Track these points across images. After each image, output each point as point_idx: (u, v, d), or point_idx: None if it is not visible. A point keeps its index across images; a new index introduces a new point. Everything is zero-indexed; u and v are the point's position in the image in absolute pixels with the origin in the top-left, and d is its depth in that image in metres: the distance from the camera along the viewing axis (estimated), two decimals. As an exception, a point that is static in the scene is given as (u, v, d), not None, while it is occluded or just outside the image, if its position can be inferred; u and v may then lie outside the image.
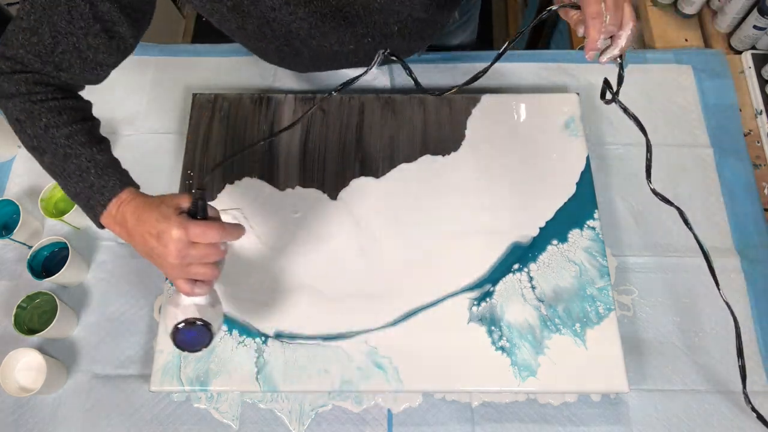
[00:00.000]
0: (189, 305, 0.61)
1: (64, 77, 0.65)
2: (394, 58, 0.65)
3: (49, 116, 0.63)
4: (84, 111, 0.68)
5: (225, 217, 0.66)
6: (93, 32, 0.63)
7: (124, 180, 0.64)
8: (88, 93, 0.99)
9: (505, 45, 0.65)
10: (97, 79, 0.69)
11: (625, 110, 0.63)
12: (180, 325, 0.61)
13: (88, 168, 0.63)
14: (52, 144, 0.63)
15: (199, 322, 0.61)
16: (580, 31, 0.60)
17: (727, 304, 0.74)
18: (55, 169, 0.64)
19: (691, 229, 0.70)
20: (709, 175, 0.91)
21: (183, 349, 0.62)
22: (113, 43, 0.65)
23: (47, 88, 0.64)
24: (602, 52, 0.60)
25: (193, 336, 0.62)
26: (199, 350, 0.63)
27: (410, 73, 0.68)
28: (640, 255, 0.85)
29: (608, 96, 0.64)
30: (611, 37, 0.59)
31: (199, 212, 0.60)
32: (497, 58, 0.66)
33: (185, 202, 0.60)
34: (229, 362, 0.75)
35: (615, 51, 0.59)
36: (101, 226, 0.65)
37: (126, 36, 0.66)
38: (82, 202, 0.64)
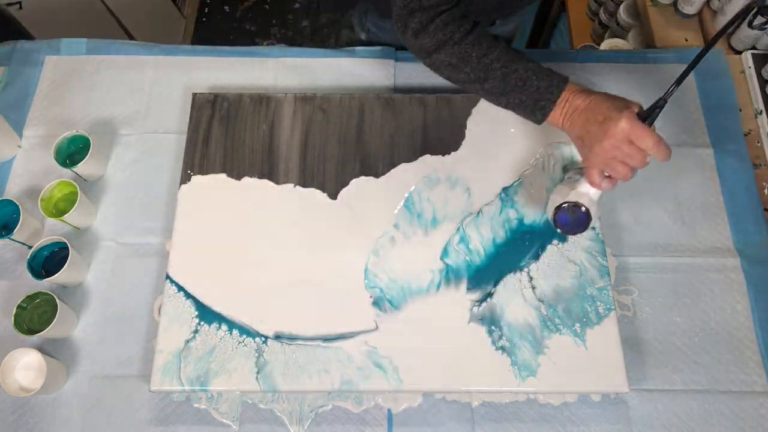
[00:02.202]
0: (584, 193, 0.70)
1: None
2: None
3: (475, 49, 0.69)
4: (487, 31, 0.72)
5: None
6: None
7: (563, 77, 0.69)
8: (88, 93, 0.99)
9: (712, 38, 0.70)
10: None
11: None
12: (564, 205, 0.69)
13: (530, 77, 0.68)
14: (490, 70, 0.69)
15: (583, 209, 0.69)
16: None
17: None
18: (496, 90, 0.70)
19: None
20: (709, 175, 0.91)
21: (559, 228, 0.71)
22: None
23: (456, 25, 0.69)
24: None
25: (571, 220, 0.70)
26: (574, 233, 0.72)
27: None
28: (640, 255, 0.85)
29: (758, 22, 0.71)
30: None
31: (650, 119, 0.64)
32: (705, 52, 0.68)
33: (636, 107, 0.65)
34: (229, 362, 0.75)
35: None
36: (541, 122, 0.71)
37: None
38: (527, 107, 0.70)
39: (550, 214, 0.72)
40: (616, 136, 0.63)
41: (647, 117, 0.64)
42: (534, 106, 0.69)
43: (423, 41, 0.70)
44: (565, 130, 0.70)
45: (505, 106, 0.72)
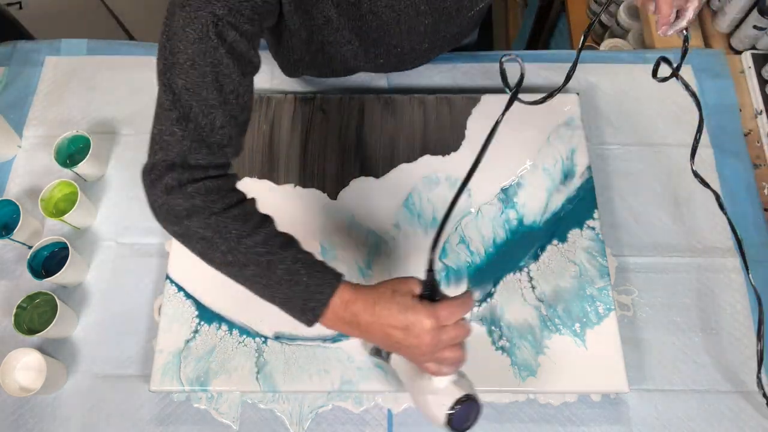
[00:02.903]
0: (448, 386, 0.59)
1: (229, 153, 0.61)
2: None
3: (237, 226, 0.57)
4: (258, 210, 0.62)
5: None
6: (242, 91, 0.59)
7: (335, 274, 0.59)
8: (88, 93, 0.99)
9: (583, 36, 0.70)
10: (243, 144, 0.64)
11: (687, 86, 0.66)
12: (452, 411, 0.58)
13: (298, 270, 0.57)
14: (251, 254, 0.57)
15: (465, 399, 0.59)
16: (651, 8, 0.64)
17: (753, 287, 0.77)
18: (260, 280, 0.58)
19: (725, 213, 0.74)
20: (709, 175, 0.91)
21: (463, 431, 0.60)
22: (252, 89, 0.61)
23: (222, 195, 0.59)
24: (671, 25, 0.65)
25: (465, 414, 0.59)
26: (474, 424, 0.60)
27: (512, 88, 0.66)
28: (640, 255, 0.85)
29: (662, 74, 0.67)
30: (678, 10, 0.64)
31: (437, 294, 0.57)
32: (580, 51, 0.71)
33: (417, 287, 0.57)
34: (229, 362, 0.75)
35: (683, 23, 0.64)
36: (312, 325, 0.59)
37: (257, 64, 0.62)
38: (296, 307, 0.58)
39: (441, 421, 0.59)
40: (431, 335, 0.54)
41: (432, 291, 0.57)
42: (304, 306, 0.57)
43: (174, 201, 0.57)
44: (361, 337, 0.59)
45: (276, 303, 0.59)
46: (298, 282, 0.57)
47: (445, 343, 0.55)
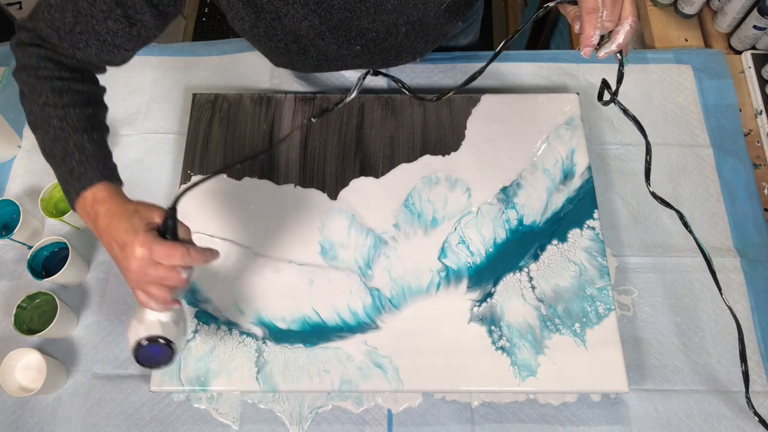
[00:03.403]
0: (153, 322, 0.60)
1: (80, 56, 0.65)
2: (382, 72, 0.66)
3: (49, 94, 0.63)
4: (90, 96, 0.67)
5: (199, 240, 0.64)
6: (113, 17, 0.63)
7: (106, 174, 0.63)
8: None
9: (501, 45, 0.65)
10: (115, 61, 0.69)
11: (625, 111, 0.63)
12: (143, 342, 0.60)
13: (72, 153, 0.62)
14: (45, 123, 0.63)
15: (161, 340, 0.60)
16: (577, 27, 0.59)
17: (729, 308, 0.75)
18: (45, 148, 0.64)
19: (690, 231, 0.71)
20: (709, 175, 0.91)
21: (144, 365, 0.62)
22: (134, 30, 0.65)
23: (56, 66, 0.64)
24: (600, 47, 0.60)
25: (155, 352, 0.61)
26: (161, 367, 0.62)
27: (402, 86, 0.68)
28: (640, 255, 0.85)
29: (606, 97, 0.64)
30: (610, 32, 0.58)
31: (168, 232, 0.58)
32: (493, 58, 0.67)
33: (158, 217, 0.59)
34: (229, 362, 0.75)
35: (612, 47, 0.59)
36: (72, 208, 0.65)
37: (148, 24, 0.66)
38: (62, 186, 0.64)
39: (131, 347, 0.61)
40: (138, 264, 0.56)
41: (166, 230, 0.58)
42: (65, 187, 0.63)
43: (17, 53, 0.65)
44: (97, 238, 0.62)
45: (55, 175, 0.64)
46: (68, 164, 0.62)
47: (152, 277, 0.56)
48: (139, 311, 0.61)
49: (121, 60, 0.70)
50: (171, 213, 0.58)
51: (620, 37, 0.58)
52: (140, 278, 0.57)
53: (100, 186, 0.61)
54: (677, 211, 0.71)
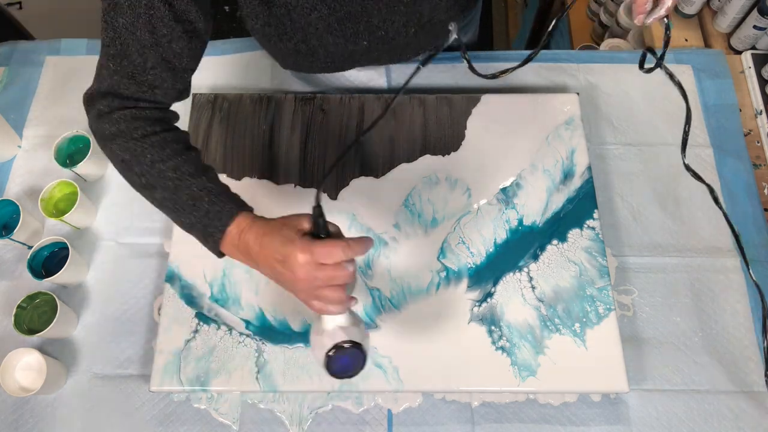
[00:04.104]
0: (335, 329, 0.58)
1: (160, 96, 0.64)
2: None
3: (153, 151, 0.62)
4: (184, 142, 0.66)
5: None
6: (176, 36, 0.62)
7: (239, 203, 0.62)
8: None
9: (544, 38, 0.70)
10: (184, 91, 0.68)
11: (671, 76, 0.66)
12: (331, 352, 0.57)
13: (201, 196, 0.61)
14: (161, 178, 0.61)
15: (347, 345, 0.58)
16: None
17: (756, 284, 0.75)
18: (168, 204, 0.62)
19: (720, 207, 0.73)
20: (709, 175, 0.91)
21: (340, 377, 0.60)
22: (193, 44, 0.64)
23: (146, 122, 0.63)
24: (649, 13, 0.64)
25: (346, 361, 0.59)
26: (357, 373, 0.60)
27: (468, 62, 0.70)
28: (640, 255, 0.85)
29: (646, 66, 0.66)
30: (656, 0, 0.63)
31: (321, 231, 0.57)
32: (535, 53, 0.70)
33: (306, 222, 0.58)
34: (229, 362, 0.75)
35: (661, 11, 0.63)
36: (221, 255, 0.63)
37: (202, 33, 0.65)
38: (199, 233, 0.62)
39: (321, 362, 0.59)
40: (305, 270, 0.55)
41: (319, 230, 0.57)
42: (204, 232, 0.61)
43: (103, 125, 0.63)
44: (257, 269, 0.61)
45: (185, 228, 0.63)
46: (200, 208, 0.60)
47: (322, 281, 0.55)
48: (316, 324, 0.60)
49: (187, 87, 0.68)
50: (318, 212, 0.57)
51: (668, 2, 0.62)
52: (311, 285, 0.56)
53: (240, 218, 0.60)
54: (708, 186, 0.72)
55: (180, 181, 0.61)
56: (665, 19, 0.64)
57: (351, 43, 0.79)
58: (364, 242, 0.58)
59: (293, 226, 0.58)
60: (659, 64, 0.65)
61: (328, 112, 0.91)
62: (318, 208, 0.57)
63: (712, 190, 0.72)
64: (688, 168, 0.71)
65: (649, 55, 0.66)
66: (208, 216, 0.60)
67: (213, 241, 0.61)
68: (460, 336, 0.76)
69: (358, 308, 0.78)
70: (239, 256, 0.61)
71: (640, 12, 0.63)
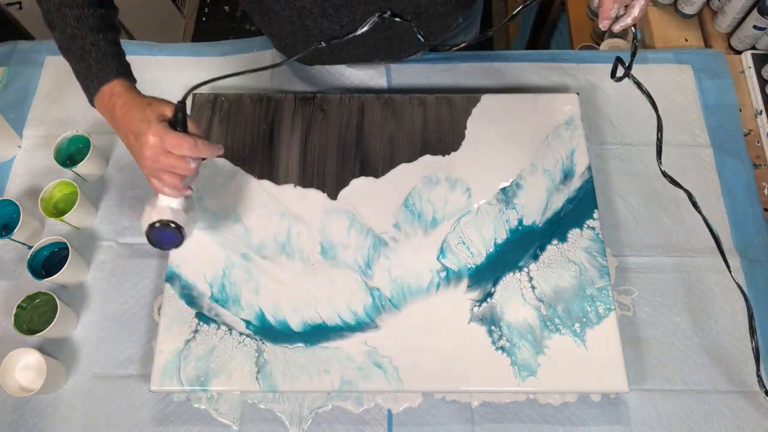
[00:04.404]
0: (165, 207, 0.68)
1: None
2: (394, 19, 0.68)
3: (74, 6, 0.66)
4: (104, 6, 0.70)
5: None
6: None
7: (121, 71, 0.68)
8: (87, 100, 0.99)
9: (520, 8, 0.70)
10: None
11: (639, 85, 0.66)
12: (156, 225, 0.67)
13: (90, 51, 0.66)
14: (62, 21, 0.67)
15: (172, 224, 0.67)
16: (595, 2, 0.63)
17: (739, 286, 0.77)
18: (62, 45, 0.68)
19: (699, 211, 0.74)
20: (709, 175, 0.91)
21: (155, 246, 0.69)
22: None
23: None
24: (617, 20, 0.64)
25: (166, 236, 0.69)
26: (169, 249, 0.71)
27: (417, 31, 0.71)
28: (640, 255, 0.85)
29: (618, 74, 0.67)
30: (626, 7, 0.63)
31: (179, 124, 0.64)
32: (513, 16, 0.72)
33: (169, 111, 0.64)
34: (229, 362, 0.75)
35: (628, 20, 0.63)
36: (94, 106, 0.69)
37: None
38: (80, 82, 0.68)
39: (143, 230, 0.69)
40: (151, 152, 0.62)
41: (176, 123, 0.64)
42: (83, 83, 0.68)
43: None
44: (115, 131, 0.68)
45: (73, 72, 0.69)
46: (86, 60, 0.67)
47: (164, 165, 0.63)
48: (153, 199, 0.68)
49: None
50: (181, 107, 0.64)
51: (635, 11, 0.62)
52: (153, 165, 0.63)
53: (116, 82, 0.67)
54: (686, 191, 0.74)
55: (78, 30, 0.66)
56: (632, 28, 0.64)
57: (347, 29, 0.79)
58: (214, 147, 0.66)
59: (157, 109, 0.64)
60: (627, 74, 0.66)
61: (328, 112, 0.91)
62: (182, 104, 0.65)
63: (690, 195, 0.75)
64: (665, 174, 0.74)
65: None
66: (90, 71, 0.67)
67: (89, 94, 0.68)
68: (460, 336, 0.76)
69: (359, 308, 0.78)
70: (106, 116, 0.68)
71: (604, 17, 0.63)
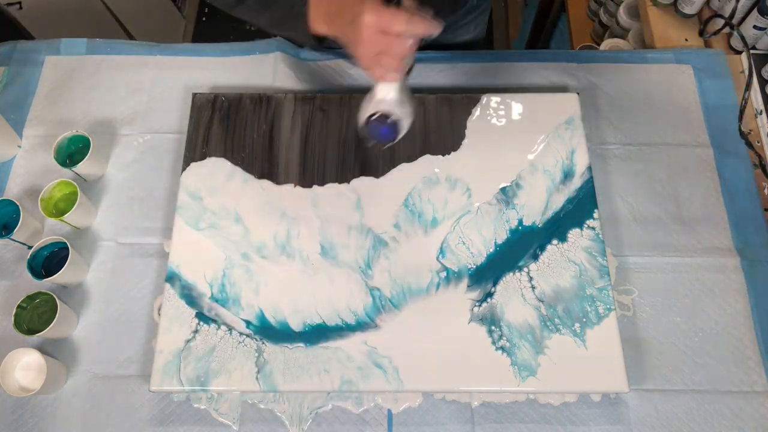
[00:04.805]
0: (382, 100, 0.66)
1: None
2: None
3: None
4: None
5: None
6: None
7: None
8: (88, 93, 0.99)
9: None
10: None
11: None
12: (372, 117, 0.66)
13: None
14: None
15: (389, 118, 0.66)
16: None
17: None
18: (257, 6, 0.73)
19: (765, 173, 0.73)
20: (709, 175, 0.91)
21: (369, 140, 0.69)
22: None
23: None
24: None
25: (383, 131, 0.67)
26: (384, 145, 0.72)
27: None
28: (640, 255, 0.85)
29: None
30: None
31: (399, 3, 0.60)
32: None
33: None
34: (229, 362, 0.75)
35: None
36: (313, 38, 0.70)
37: None
38: (289, 21, 0.71)
39: (361, 127, 0.69)
40: (367, 32, 0.59)
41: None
42: (293, 12, 0.69)
43: None
44: (333, 38, 0.67)
45: (275, 28, 0.73)
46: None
47: (382, 46, 0.59)
48: (370, 94, 0.67)
49: None
50: None
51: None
52: (371, 48, 0.60)
53: None
54: (758, 154, 0.72)
55: None
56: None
57: None
58: (430, 23, 0.60)
59: None
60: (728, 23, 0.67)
61: (328, 112, 0.91)
62: None
63: (761, 159, 0.74)
64: (742, 135, 0.74)
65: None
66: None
67: (303, 19, 0.68)
68: (460, 336, 0.76)
69: (359, 308, 0.78)
70: (321, 26, 0.67)
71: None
